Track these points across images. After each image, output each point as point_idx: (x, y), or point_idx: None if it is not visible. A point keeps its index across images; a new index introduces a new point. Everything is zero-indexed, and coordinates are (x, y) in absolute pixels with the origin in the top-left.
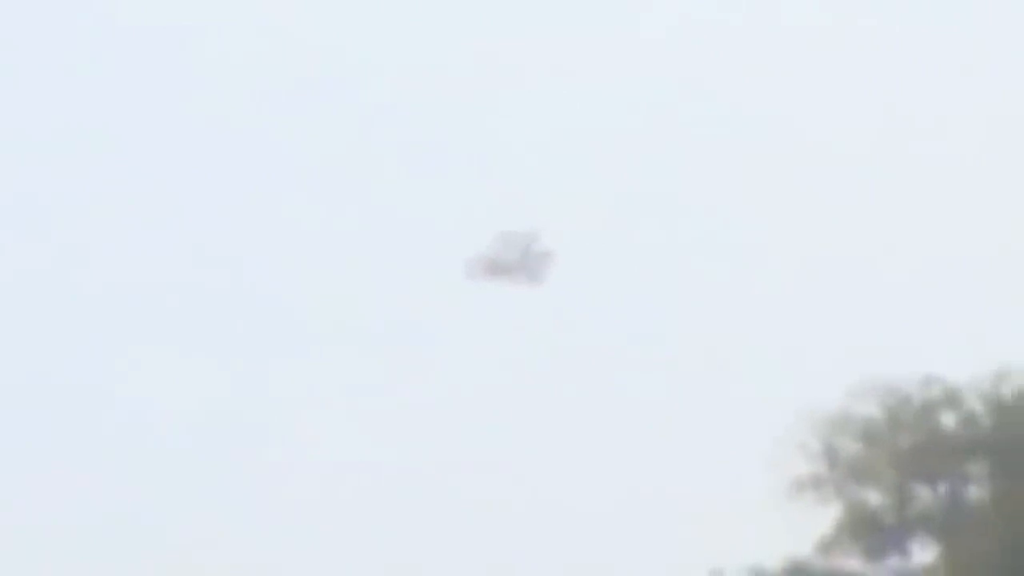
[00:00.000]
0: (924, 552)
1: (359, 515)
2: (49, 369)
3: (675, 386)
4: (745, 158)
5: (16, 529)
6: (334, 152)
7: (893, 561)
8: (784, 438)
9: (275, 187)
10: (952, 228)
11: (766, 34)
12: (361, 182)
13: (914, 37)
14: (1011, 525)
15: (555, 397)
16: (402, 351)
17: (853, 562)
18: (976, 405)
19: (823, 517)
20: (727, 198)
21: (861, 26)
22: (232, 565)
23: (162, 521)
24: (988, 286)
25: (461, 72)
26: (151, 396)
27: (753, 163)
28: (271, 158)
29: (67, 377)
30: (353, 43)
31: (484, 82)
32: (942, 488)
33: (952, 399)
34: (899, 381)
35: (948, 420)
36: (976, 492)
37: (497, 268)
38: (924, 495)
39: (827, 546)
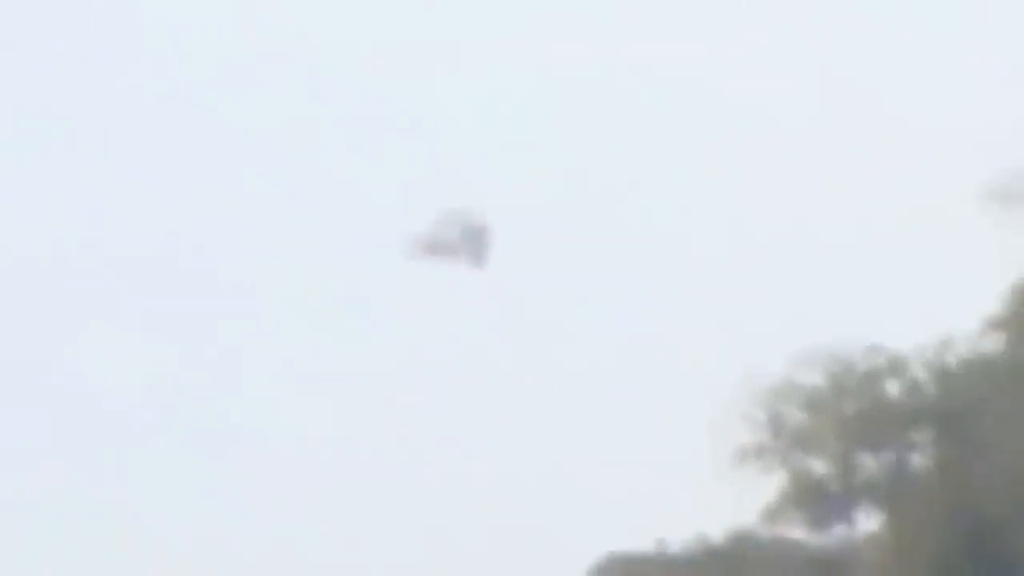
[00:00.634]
0: (869, 520)
1: (309, 483)
2: (6, 342)
3: (618, 356)
4: (688, 131)
5: None
6: (282, 127)
7: (838, 529)
8: (728, 407)
9: (223, 162)
10: (897, 198)
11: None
12: (308, 157)
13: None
14: (955, 492)
15: (499, 368)
16: (349, 323)
17: (798, 531)
18: (920, 373)
19: (767, 486)
20: (671, 169)
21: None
22: (182, 532)
23: (114, 491)
24: (932, 255)
25: (404, 47)
26: (102, 368)
27: (698, 136)
28: (220, 134)
29: (19, 350)
30: (299, 20)
31: (425, 58)
32: (887, 456)
33: (896, 367)
34: (843, 349)
35: (892, 388)
36: (921, 460)
37: (437, 248)
38: (869, 463)
39: (772, 515)
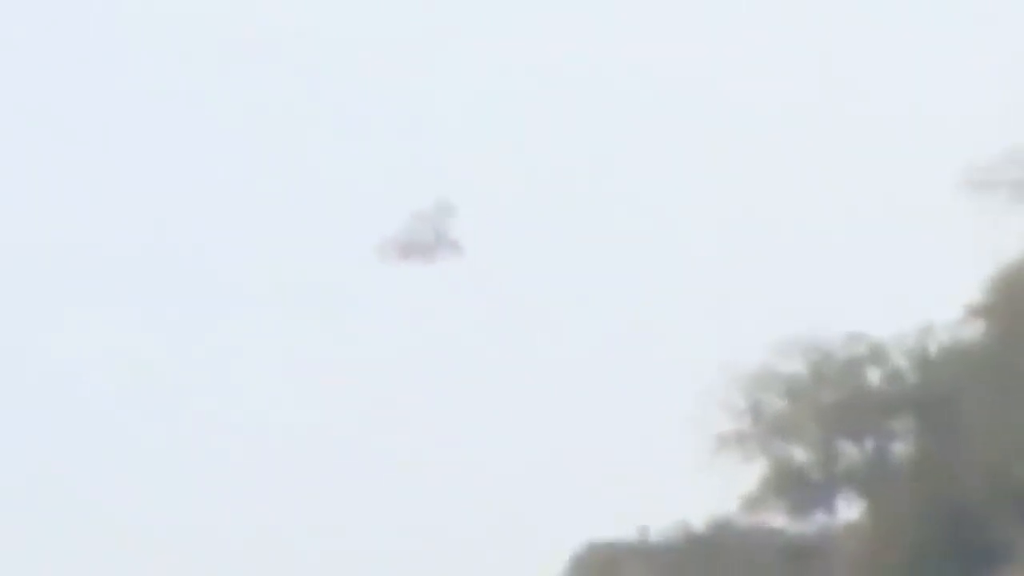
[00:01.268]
0: (849, 508)
1: (293, 475)
2: None
3: (599, 345)
4: (669, 123)
5: None
6: (274, 123)
7: (818, 517)
8: (708, 395)
9: (203, 150)
10: (876, 186)
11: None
12: (298, 152)
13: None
14: (935, 480)
15: (482, 360)
16: (326, 313)
17: (778, 519)
18: (901, 361)
19: (748, 474)
20: (651, 160)
21: None
22: (155, 518)
23: (87, 475)
24: (913, 244)
25: (400, 46)
26: (77, 352)
27: (677, 128)
28: (201, 123)
29: (3, 339)
30: (294, 20)
31: (422, 57)
32: (867, 444)
33: (877, 355)
34: (824, 337)
35: (873, 376)
36: (901, 448)
37: (410, 249)
38: (849, 451)
39: (752, 503)
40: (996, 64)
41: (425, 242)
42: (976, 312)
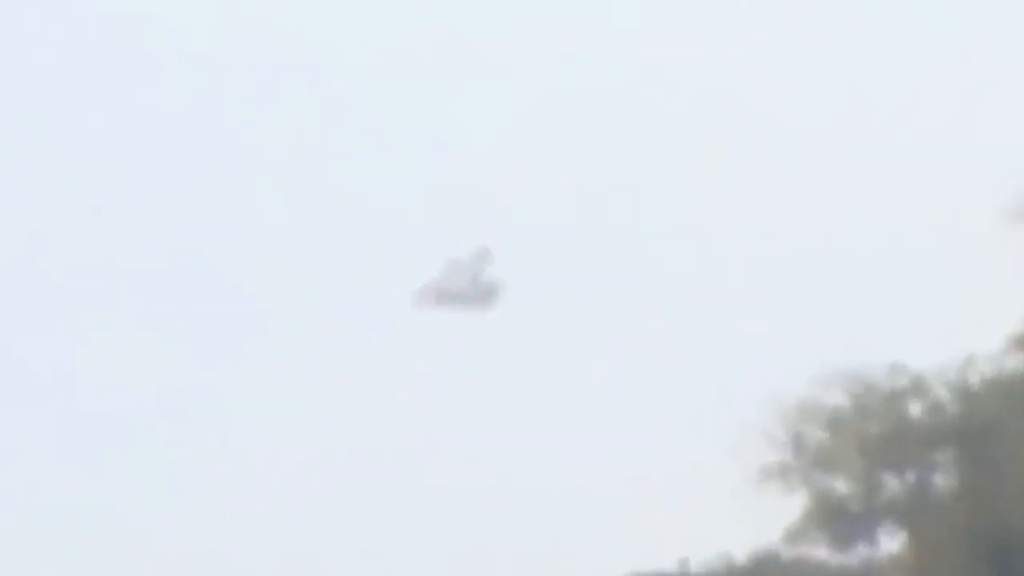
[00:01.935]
0: (891, 540)
1: (318, 503)
2: (9, 353)
3: (641, 375)
4: (707, 145)
5: None
6: (300, 143)
7: (861, 549)
8: (750, 426)
9: (239, 178)
10: (920, 215)
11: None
12: (323, 173)
13: (881, 24)
14: (978, 512)
15: (520, 387)
16: (363, 340)
17: (821, 551)
18: (943, 393)
19: (790, 506)
20: (689, 185)
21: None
22: (190, 549)
23: (121, 506)
24: (955, 274)
25: (410, 57)
26: (110, 382)
27: (717, 150)
28: (240, 151)
29: (27, 362)
30: (314, 39)
31: (429, 67)
32: (909, 476)
33: (919, 387)
34: (866, 369)
35: (915, 408)
36: (943, 480)
37: (446, 296)
38: (891, 483)
39: (794, 535)
40: None
41: (462, 290)
42: (1018, 343)
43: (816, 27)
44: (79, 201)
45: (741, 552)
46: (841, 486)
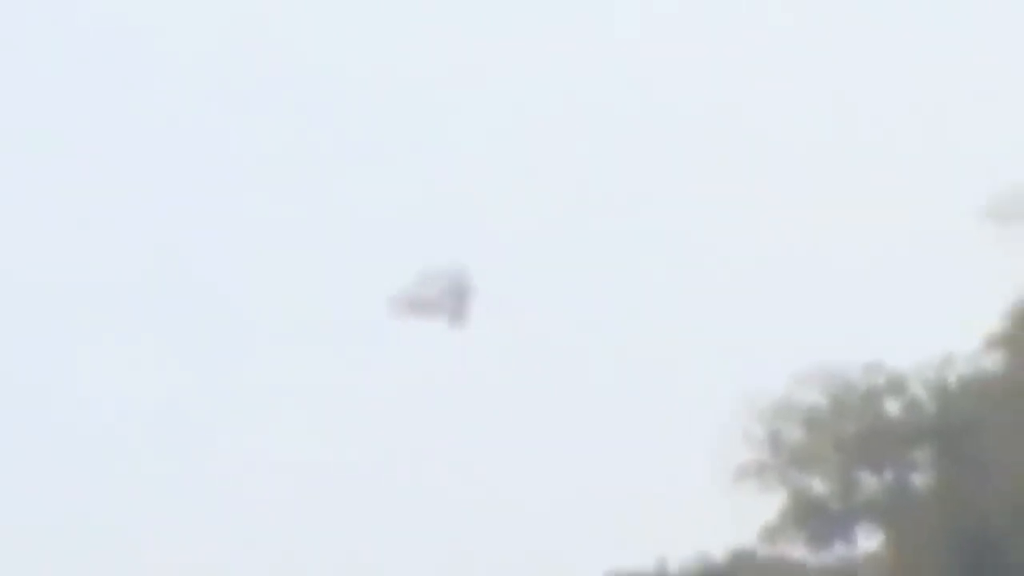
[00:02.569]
0: (869, 539)
1: (311, 512)
2: (5, 365)
3: (619, 375)
4: (690, 150)
5: None
6: (290, 156)
7: (838, 548)
8: (728, 425)
9: (229, 188)
10: (897, 215)
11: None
12: (314, 182)
13: (870, 30)
14: (955, 511)
15: (500, 392)
16: (355, 351)
17: (798, 549)
18: (920, 392)
19: (767, 505)
20: (668, 187)
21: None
22: (185, 560)
23: (116, 517)
24: (932, 274)
25: (400, 65)
26: (107, 393)
27: (698, 155)
28: (229, 163)
29: (21, 374)
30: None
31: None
32: (887, 475)
33: (896, 386)
34: (843, 368)
35: (892, 407)
36: (920, 479)
37: (419, 306)
38: (869, 482)
39: (772, 534)
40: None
41: (434, 300)
42: (995, 342)
43: (802, 37)
44: (74, 214)
45: (719, 551)
46: (818, 485)
